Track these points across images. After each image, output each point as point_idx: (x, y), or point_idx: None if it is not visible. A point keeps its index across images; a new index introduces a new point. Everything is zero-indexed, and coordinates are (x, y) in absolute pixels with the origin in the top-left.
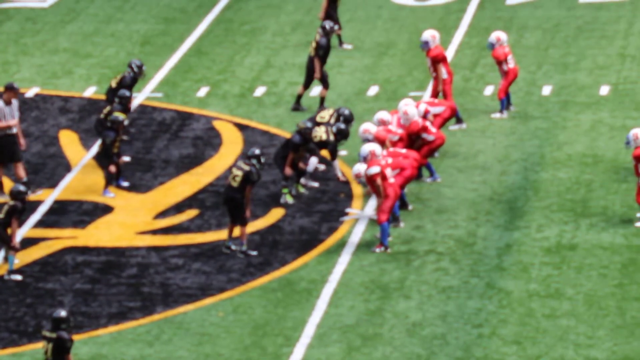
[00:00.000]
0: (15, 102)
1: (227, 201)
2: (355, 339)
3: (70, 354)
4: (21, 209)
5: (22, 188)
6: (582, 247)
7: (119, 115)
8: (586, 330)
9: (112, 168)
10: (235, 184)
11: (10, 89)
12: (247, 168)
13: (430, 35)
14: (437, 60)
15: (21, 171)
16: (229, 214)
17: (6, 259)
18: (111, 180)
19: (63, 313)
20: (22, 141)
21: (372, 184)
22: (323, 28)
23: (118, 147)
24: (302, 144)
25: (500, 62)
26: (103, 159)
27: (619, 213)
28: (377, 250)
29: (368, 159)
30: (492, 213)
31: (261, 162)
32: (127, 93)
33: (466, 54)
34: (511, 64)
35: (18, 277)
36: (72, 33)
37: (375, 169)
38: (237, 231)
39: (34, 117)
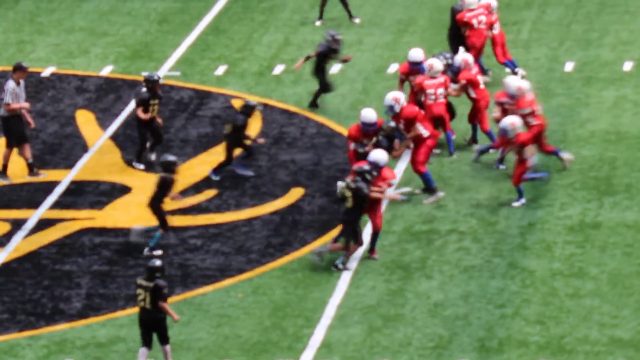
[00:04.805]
0: (22, 82)
1: (344, 223)
2: (377, 319)
3: (167, 300)
4: (171, 181)
5: (171, 158)
6: (606, 225)
7: None
8: (610, 310)
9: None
10: (349, 205)
11: (20, 69)
12: (354, 185)
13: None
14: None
15: (27, 152)
16: (342, 232)
17: (151, 232)
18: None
19: (158, 262)
20: (30, 119)
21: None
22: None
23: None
24: (389, 147)
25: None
26: (234, 141)
27: None
28: (430, 200)
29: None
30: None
31: (368, 177)
32: (154, 76)
33: None
34: (496, 30)
35: (159, 254)
36: (88, 11)
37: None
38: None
39: (50, 97)
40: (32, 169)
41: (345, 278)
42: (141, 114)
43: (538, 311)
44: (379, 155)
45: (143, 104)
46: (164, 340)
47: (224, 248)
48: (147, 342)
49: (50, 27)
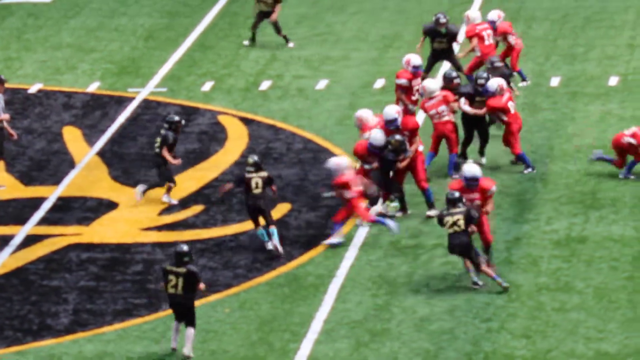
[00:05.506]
0: (1, 96)
1: (460, 250)
2: (363, 334)
3: (200, 283)
4: (270, 177)
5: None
6: (592, 239)
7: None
8: (596, 324)
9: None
10: (459, 229)
11: None
12: (463, 209)
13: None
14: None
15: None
16: (464, 257)
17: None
18: None
19: (185, 247)
20: (11, 131)
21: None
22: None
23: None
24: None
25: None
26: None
27: (629, 205)
28: (433, 213)
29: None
30: (500, 206)
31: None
32: (175, 118)
33: None
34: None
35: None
36: (75, 28)
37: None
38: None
39: (37, 114)
40: None
41: (332, 293)
42: (170, 158)
43: (524, 325)
44: (474, 169)
45: (171, 145)
46: (191, 323)
47: (210, 263)
48: (179, 319)
49: (37, 44)
